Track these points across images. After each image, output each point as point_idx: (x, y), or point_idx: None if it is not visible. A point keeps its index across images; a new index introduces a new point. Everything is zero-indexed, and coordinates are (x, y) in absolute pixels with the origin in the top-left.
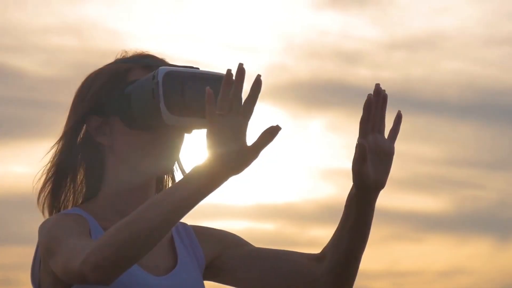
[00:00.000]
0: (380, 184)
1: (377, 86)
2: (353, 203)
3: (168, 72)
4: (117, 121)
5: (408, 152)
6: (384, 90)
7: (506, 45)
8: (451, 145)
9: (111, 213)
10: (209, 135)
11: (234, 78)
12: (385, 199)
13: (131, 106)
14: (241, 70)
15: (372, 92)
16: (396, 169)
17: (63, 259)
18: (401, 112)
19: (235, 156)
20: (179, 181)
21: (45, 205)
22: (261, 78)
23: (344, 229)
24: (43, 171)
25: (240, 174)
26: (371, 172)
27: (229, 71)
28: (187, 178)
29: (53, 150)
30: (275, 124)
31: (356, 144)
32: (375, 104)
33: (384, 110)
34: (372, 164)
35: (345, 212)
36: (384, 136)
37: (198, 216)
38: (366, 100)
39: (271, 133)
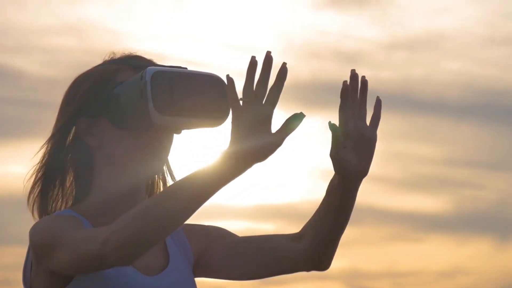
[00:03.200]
0: (362, 172)
1: (353, 71)
2: (335, 190)
3: (156, 72)
4: (105, 122)
5: (408, 152)
6: (364, 76)
7: (506, 45)
8: (451, 145)
9: (102, 214)
10: (233, 122)
11: (262, 65)
12: (385, 199)
13: (119, 107)
14: (268, 57)
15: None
16: (396, 169)
17: (72, 247)
18: (380, 98)
19: (261, 145)
20: (205, 166)
21: (35, 206)
22: (287, 66)
23: (324, 214)
24: (33, 171)
25: (263, 161)
26: (353, 160)
27: (253, 57)
28: (212, 164)
29: (43, 151)
30: (299, 111)
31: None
32: (352, 91)
33: (365, 96)
34: (354, 151)
35: (326, 198)
36: (366, 123)
37: (198, 216)
38: (342, 88)
39: (295, 120)
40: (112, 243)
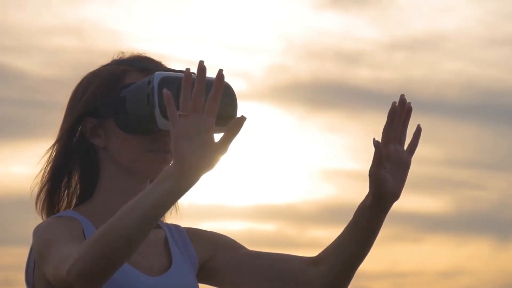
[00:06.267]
0: (396, 194)
1: (402, 97)
2: (365, 211)
3: (163, 77)
4: (111, 123)
5: None
6: (409, 103)
7: (507, 45)
8: (451, 146)
9: (105, 214)
10: (174, 136)
11: (196, 76)
12: None
13: (126, 110)
14: (201, 68)
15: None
16: None
17: (53, 266)
18: (421, 126)
19: (202, 155)
20: (151, 185)
21: (43, 211)
22: (223, 72)
23: (350, 237)
24: (39, 176)
25: (211, 170)
26: (389, 181)
27: (187, 70)
28: (158, 181)
29: (49, 153)
30: (239, 115)
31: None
32: (398, 114)
33: (407, 121)
34: (390, 173)
35: (354, 220)
36: (403, 148)
37: (198, 217)
38: (390, 108)
39: (236, 125)
40: (75, 272)
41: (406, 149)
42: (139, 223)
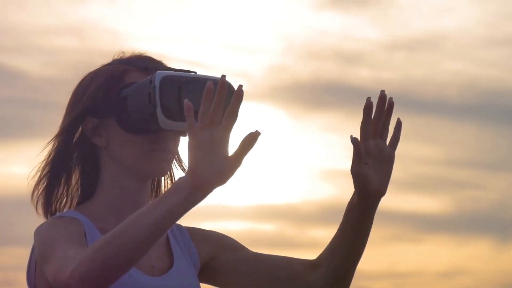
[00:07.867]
0: (381, 190)
1: (382, 92)
2: (353, 210)
3: (165, 77)
4: (112, 123)
5: (408, 153)
6: (391, 98)
7: (507, 45)
8: (451, 146)
9: (106, 214)
10: (190, 148)
11: (217, 90)
12: (385, 200)
13: (127, 109)
14: (222, 83)
15: (370, 95)
16: (396, 170)
17: (54, 268)
18: (401, 120)
19: (216, 169)
20: (164, 193)
21: (39, 203)
22: (243, 88)
23: (342, 236)
24: (38, 168)
25: (224, 185)
26: (372, 177)
27: (210, 84)
28: (169, 193)
29: (48, 148)
30: (254, 130)
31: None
32: (378, 109)
33: (389, 116)
34: (373, 169)
35: (344, 220)
36: (385, 143)
37: (199, 217)
38: (365, 104)
39: (251, 140)
40: (77, 276)
41: (388, 143)
42: (145, 234)
